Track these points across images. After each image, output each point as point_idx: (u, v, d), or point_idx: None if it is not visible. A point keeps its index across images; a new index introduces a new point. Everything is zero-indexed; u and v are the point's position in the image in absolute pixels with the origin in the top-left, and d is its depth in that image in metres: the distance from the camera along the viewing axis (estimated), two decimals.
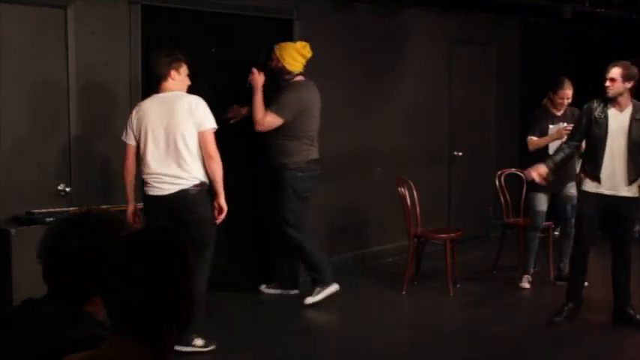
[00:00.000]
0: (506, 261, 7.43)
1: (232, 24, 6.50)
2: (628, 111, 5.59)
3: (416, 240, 6.85)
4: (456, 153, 8.71)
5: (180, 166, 4.93)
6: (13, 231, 4.78)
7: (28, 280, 4.22)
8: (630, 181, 5.60)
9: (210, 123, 4.96)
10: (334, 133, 7.24)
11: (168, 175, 4.95)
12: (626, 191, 5.62)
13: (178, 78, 5.01)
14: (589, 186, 5.71)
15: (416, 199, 6.78)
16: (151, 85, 5.80)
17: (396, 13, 7.81)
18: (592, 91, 8.99)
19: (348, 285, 6.62)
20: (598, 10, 8.66)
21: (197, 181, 4.96)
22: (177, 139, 4.91)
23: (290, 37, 6.88)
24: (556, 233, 8.84)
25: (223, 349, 5.17)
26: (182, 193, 4.94)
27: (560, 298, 6.75)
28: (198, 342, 5.07)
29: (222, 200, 5.03)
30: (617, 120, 5.59)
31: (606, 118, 5.58)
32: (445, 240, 6.80)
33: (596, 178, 5.64)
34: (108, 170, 5.74)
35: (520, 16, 9.28)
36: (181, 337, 4.96)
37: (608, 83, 5.57)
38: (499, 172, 7.77)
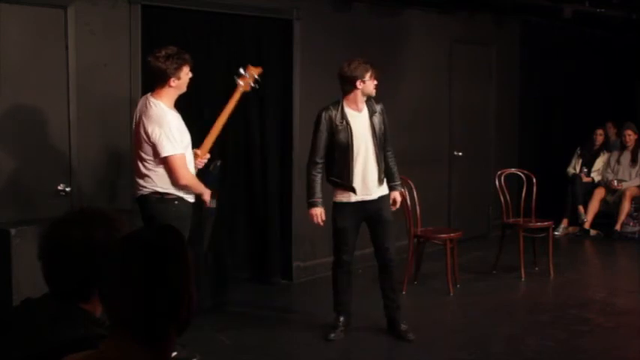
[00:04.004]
0: (506, 261, 7.43)
1: (232, 24, 6.51)
2: (365, 109, 5.40)
3: (416, 240, 6.85)
4: (456, 153, 8.71)
5: (138, 174, 4.82)
6: (13, 231, 4.77)
7: (28, 280, 4.23)
8: (380, 180, 5.42)
9: (165, 150, 4.63)
10: None
11: (135, 181, 4.87)
12: (380, 191, 5.43)
13: (177, 83, 4.73)
14: (341, 197, 5.38)
15: (416, 199, 6.79)
16: (151, 85, 5.81)
17: (396, 12, 7.81)
18: (592, 91, 9.07)
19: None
20: (598, 10, 8.66)
21: (151, 191, 4.75)
22: (136, 147, 4.80)
23: (290, 37, 6.90)
24: (556, 233, 8.89)
25: (231, 349, 5.19)
26: (141, 199, 4.82)
27: (560, 299, 6.77)
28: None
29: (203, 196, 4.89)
30: (359, 121, 5.36)
31: (348, 123, 5.33)
32: (445, 240, 6.79)
33: (350, 188, 5.33)
34: (108, 170, 5.75)
35: (520, 16, 9.29)
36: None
37: (376, 83, 5.39)
38: (499, 172, 7.77)
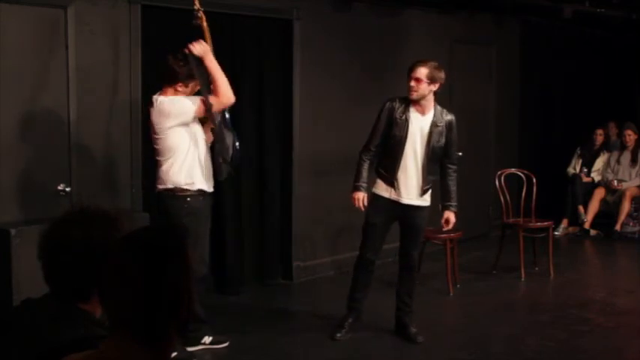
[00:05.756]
0: (506, 261, 7.43)
1: (232, 24, 6.51)
2: (430, 116, 5.24)
3: None
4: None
5: (158, 168, 4.93)
6: (13, 231, 4.77)
7: (28, 280, 4.23)
8: (423, 191, 5.28)
9: (189, 103, 4.78)
10: (334, 132, 7.25)
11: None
12: (419, 200, 5.31)
13: (183, 90, 4.84)
14: (381, 190, 5.32)
15: None
16: (151, 85, 5.81)
17: (396, 12, 7.81)
18: (592, 91, 8.95)
19: (349, 285, 6.60)
20: (598, 10, 8.66)
21: (167, 187, 4.83)
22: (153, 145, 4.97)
23: (290, 37, 6.89)
24: (556, 233, 8.89)
25: (231, 349, 5.21)
26: (156, 195, 4.93)
27: (560, 299, 6.77)
28: (207, 339, 5.13)
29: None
30: (418, 124, 5.22)
31: (407, 120, 5.20)
32: (445, 240, 6.80)
33: (390, 183, 5.28)
34: (108, 170, 5.74)
35: (520, 16, 9.29)
36: (189, 338, 4.98)
37: (412, 83, 5.16)
38: (499, 172, 7.77)
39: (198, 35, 4.97)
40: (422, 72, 5.16)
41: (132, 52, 5.78)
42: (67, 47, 5.42)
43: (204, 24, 4.98)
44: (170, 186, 4.81)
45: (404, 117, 5.22)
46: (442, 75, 5.24)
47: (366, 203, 5.33)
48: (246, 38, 6.61)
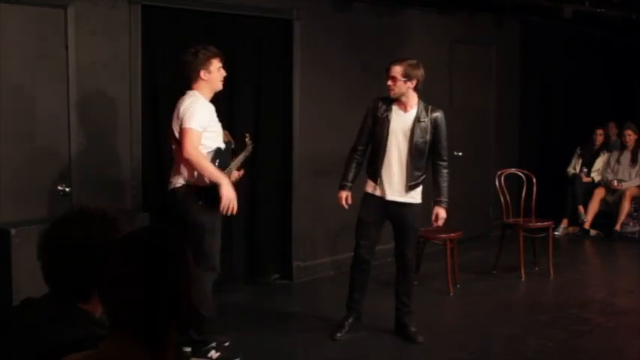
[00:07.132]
0: (506, 261, 7.43)
1: (232, 24, 6.51)
2: (413, 112, 5.27)
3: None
4: (455, 153, 8.70)
5: (172, 165, 4.95)
6: (13, 231, 4.77)
7: (28, 280, 4.22)
8: (409, 187, 5.28)
9: (186, 122, 4.66)
10: (334, 132, 7.24)
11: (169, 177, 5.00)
12: (405, 197, 5.31)
13: (208, 77, 4.82)
14: (368, 188, 5.39)
15: None
16: (151, 85, 5.81)
17: (396, 12, 7.81)
18: (592, 91, 8.89)
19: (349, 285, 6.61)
20: (598, 10, 8.67)
21: (180, 184, 4.84)
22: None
23: (290, 37, 6.89)
24: (556, 233, 8.89)
25: (231, 349, 5.20)
26: (170, 192, 4.92)
27: (560, 299, 6.77)
28: (214, 355, 4.98)
29: (222, 190, 4.74)
30: (401, 121, 5.26)
31: (388, 118, 5.26)
32: (445, 240, 6.79)
33: (375, 180, 5.34)
34: (108, 170, 5.74)
35: (520, 16, 9.29)
36: (199, 348, 4.92)
37: (389, 82, 5.20)
38: (499, 172, 7.77)
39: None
40: (396, 70, 5.22)
41: (132, 52, 5.78)
42: (67, 47, 5.42)
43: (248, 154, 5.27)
44: (186, 181, 4.81)
45: (385, 115, 5.29)
46: (419, 72, 5.26)
47: (350, 202, 5.44)
48: (246, 38, 6.62)
